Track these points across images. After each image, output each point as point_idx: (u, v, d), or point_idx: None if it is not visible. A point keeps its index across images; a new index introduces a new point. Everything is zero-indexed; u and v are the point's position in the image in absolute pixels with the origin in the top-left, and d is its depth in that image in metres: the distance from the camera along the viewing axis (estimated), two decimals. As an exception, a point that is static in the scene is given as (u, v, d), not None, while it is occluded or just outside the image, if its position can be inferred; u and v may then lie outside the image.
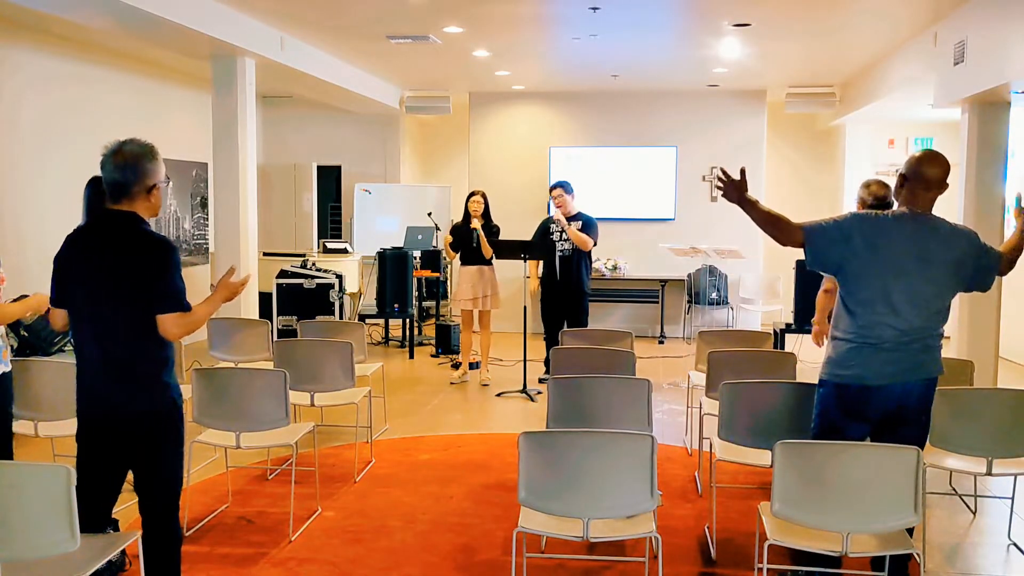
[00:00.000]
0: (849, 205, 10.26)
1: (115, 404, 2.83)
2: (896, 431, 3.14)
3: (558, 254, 7.31)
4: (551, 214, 7.52)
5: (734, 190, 3.26)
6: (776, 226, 3.24)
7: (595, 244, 7.36)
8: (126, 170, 2.80)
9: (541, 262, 7.40)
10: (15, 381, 4.14)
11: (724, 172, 3.29)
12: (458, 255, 7.40)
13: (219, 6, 6.42)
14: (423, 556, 3.89)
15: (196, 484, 4.72)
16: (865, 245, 3.13)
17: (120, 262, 2.79)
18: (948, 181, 3.20)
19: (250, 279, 3.08)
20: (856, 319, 3.17)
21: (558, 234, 7.36)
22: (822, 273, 3.48)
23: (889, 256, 3.11)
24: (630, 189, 10.29)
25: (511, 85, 10.13)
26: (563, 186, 7.42)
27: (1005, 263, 3.34)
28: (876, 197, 4.41)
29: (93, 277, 2.80)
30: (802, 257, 3.28)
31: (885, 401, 3.15)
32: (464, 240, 7.28)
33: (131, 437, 2.85)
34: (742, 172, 3.29)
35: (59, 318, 2.92)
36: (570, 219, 7.35)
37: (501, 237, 7.31)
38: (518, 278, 7.62)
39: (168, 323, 2.80)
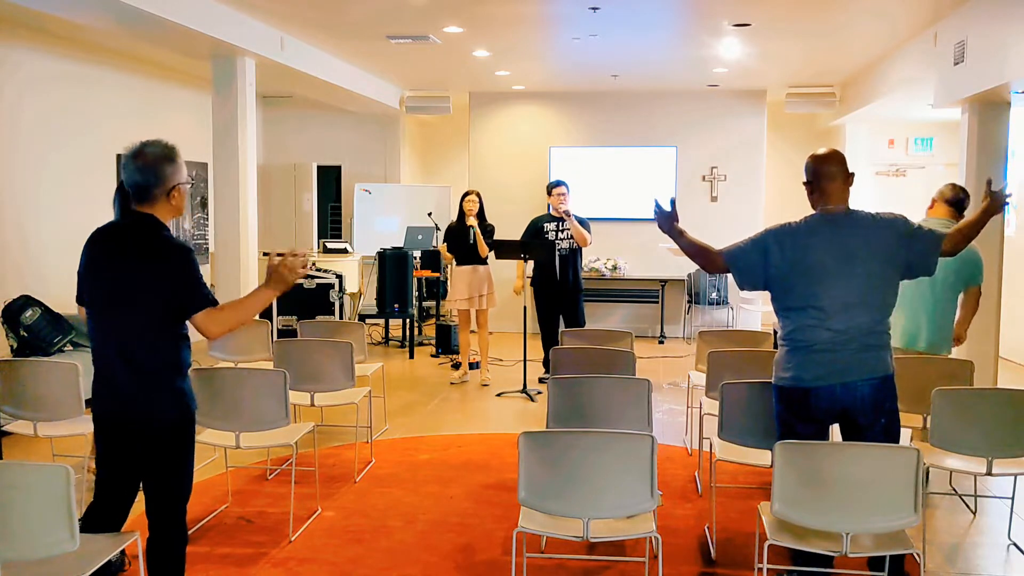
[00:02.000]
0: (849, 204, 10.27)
1: (130, 405, 2.82)
2: (857, 434, 3.15)
3: (557, 253, 7.32)
4: (547, 213, 7.50)
5: (665, 220, 3.39)
6: (702, 255, 3.40)
7: (591, 242, 7.39)
8: (146, 172, 2.79)
9: (531, 263, 7.39)
10: (14, 381, 4.15)
11: (657, 203, 3.40)
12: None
13: (219, 6, 6.42)
14: (423, 556, 3.89)
15: (196, 484, 4.65)
16: (782, 256, 3.18)
17: (137, 267, 2.79)
18: (851, 170, 3.24)
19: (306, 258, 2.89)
20: (789, 324, 3.22)
21: (554, 233, 7.37)
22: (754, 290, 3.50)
23: (808, 262, 3.14)
24: (630, 189, 10.28)
25: (511, 85, 10.14)
26: (566, 185, 7.44)
27: (954, 242, 3.26)
28: (956, 195, 4.61)
29: (112, 279, 2.80)
30: None
31: (826, 402, 3.15)
32: (460, 239, 7.29)
33: (143, 440, 2.84)
34: (672, 203, 3.40)
35: (85, 315, 2.94)
36: None
37: (500, 237, 7.32)
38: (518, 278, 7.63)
39: (202, 321, 2.79)
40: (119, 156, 8.39)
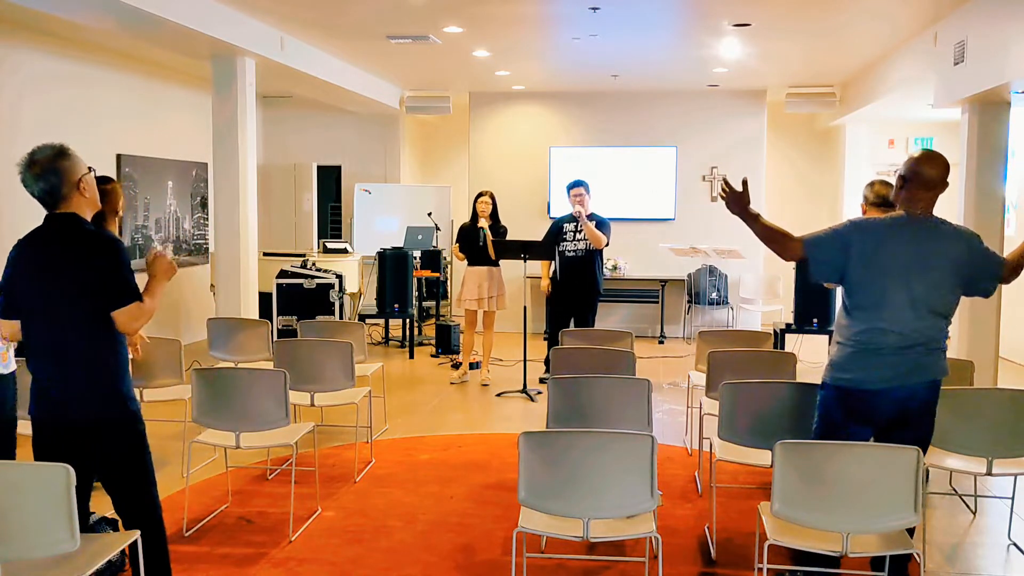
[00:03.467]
0: (849, 205, 10.28)
1: (66, 410, 2.82)
2: (898, 434, 3.12)
3: (569, 254, 7.30)
4: (570, 213, 7.44)
5: (736, 202, 3.24)
6: (777, 241, 3.24)
7: (607, 243, 7.33)
8: (48, 176, 2.78)
9: (555, 262, 7.38)
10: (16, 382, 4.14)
11: (726, 182, 3.28)
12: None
13: (219, 6, 6.42)
14: (423, 556, 3.89)
15: (196, 484, 4.72)
16: (863, 252, 3.13)
17: (66, 265, 2.78)
18: (948, 180, 3.19)
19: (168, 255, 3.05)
20: (857, 324, 3.17)
21: (572, 234, 7.35)
22: (826, 284, 3.41)
23: (887, 262, 3.10)
24: (630, 189, 10.29)
25: (511, 85, 10.14)
26: (584, 185, 7.37)
27: (1010, 270, 3.28)
28: (879, 196, 4.41)
29: (41, 283, 2.79)
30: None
31: (888, 404, 3.14)
32: (471, 240, 7.28)
33: (86, 445, 2.84)
34: (744, 184, 3.26)
35: (7, 328, 2.89)
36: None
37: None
38: (518, 278, 7.63)
39: (123, 317, 2.80)
40: (119, 156, 8.42)
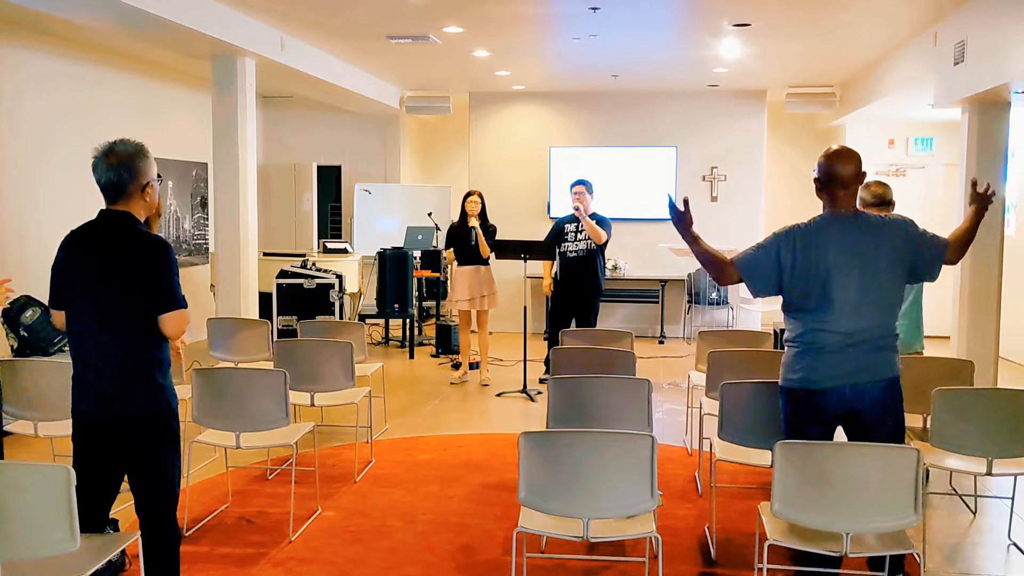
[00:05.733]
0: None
1: (110, 404, 2.82)
2: (863, 434, 3.12)
3: (571, 255, 7.29)
4: (571, 214, 7.42)
5: (679, 222, 3.28)
6: (713, 265, 3.29)
7: (608, 239, 7.28)
8: (120, 169, 2.80)
9: (556, 262, 7.37)
10: (14, 381, 4.15)
11: (671, 202, 3.30)
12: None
13: (219, 6, 6.42)
14: (423, 556, 3.89)
15: (196, 484, 4.73)
16: (794, 258, 3.12)
17: (117, 262, 2.79)
18: (864, 171, 3.18)
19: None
20: (799, 325, 3.17)
21: (573, 234, 7.33)
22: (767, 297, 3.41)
23: (820, 263, 3.09)
24: (630, 189, 10.29)
25: (511, 85, 10.14)
26: (586, 184, 7.32)
27: (953, 251, 3.25)
28: (876, 196, 4.41)
29: (90, 277, 2.80)
30: None
31: (835, 403, 3.12)
32: (461, 239, 7.29)
33: (125, 438, 2.84)
34: (686, 203, 3.28)
35: (60, 319, 2.93)
36: None
37: (500, 237, 7.32)
38: (518, 278, 7.63)
39: (170, 323, 2.82)
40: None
